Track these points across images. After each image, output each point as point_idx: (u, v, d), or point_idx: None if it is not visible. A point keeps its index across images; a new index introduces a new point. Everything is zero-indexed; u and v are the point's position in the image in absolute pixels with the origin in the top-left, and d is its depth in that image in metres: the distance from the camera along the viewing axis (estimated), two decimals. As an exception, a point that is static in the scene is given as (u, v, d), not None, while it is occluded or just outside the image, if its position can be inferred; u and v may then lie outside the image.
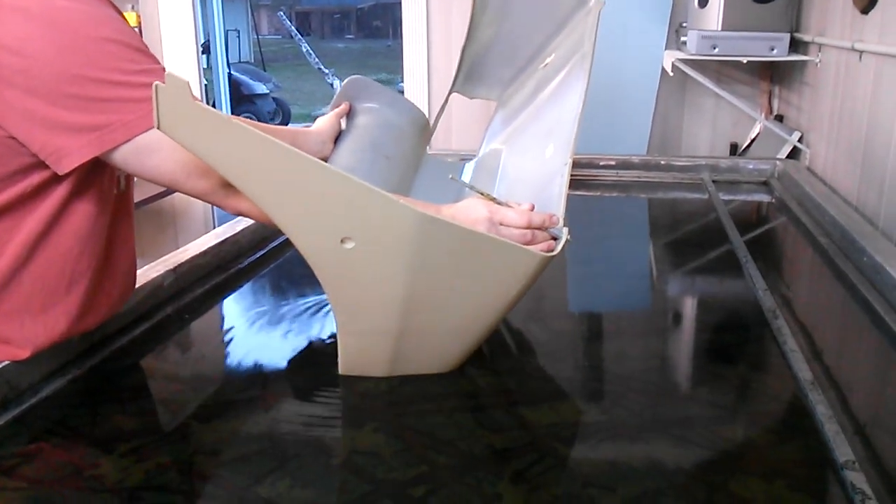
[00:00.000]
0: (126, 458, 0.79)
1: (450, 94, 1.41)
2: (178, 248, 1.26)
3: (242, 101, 8.82)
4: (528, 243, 0.85)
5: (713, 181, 1.97)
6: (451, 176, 0.88)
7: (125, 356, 1.01)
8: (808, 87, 2.14)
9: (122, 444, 0.82)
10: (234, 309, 1.21)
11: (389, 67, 12.96)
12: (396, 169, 1.17)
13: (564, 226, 0.89)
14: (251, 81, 9.09)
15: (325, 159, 1.11)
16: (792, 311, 1.16)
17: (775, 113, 2.44)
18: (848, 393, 0.93)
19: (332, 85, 7.82)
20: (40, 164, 0.82)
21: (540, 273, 0.86)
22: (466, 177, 1.28)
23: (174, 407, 0.92)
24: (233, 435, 0.85)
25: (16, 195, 0.83)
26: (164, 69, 0.79)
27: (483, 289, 0.86)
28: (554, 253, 0.85)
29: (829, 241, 1.48)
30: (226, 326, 1.16)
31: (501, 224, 0.85)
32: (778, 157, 2.11)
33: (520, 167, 1.20)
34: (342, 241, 0.79)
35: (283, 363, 1.02)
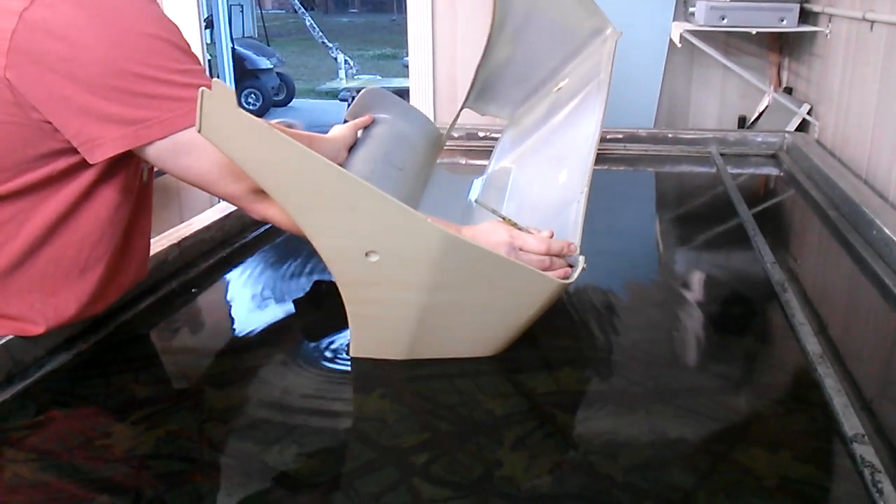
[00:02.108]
0: (138, 425, 0.80)
1: (461, 109, 1.44)
2: (182, 222, 1.25)
3: (246, 76, 8.78)
4: (545, 269, 0.87)
5: (721, 154, 1.95)
6: (476, 200, 0.90)
7: (133, 329, 1.02)
8: (817, 59, 2.11)
9: (134, 411, 0.83)
10: (240, 282, 1.20)
11: (394, 42, 12.88)
12: (408, 180, 1.20)
13: (581, 254, 0.91)
14: (255, 56, 9.04)
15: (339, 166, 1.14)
16: (800, 284, 1.15)
17: (784, 85, 2.41)
18: (857, 366, 0.92)
19: (335, 59, 7.77)
20: (69, 150, 0.82)
21: (554, 299, 0.89)
22: (475, 193, 1.31)
23: (186, 375, 0.93)
24: (243, 402, 0.86)
25: (40, 178, 0.83)
26: (204, 70, 0.82)
27: (498, 308, 0.88)
28: (570, 281, 0.87)
29: (838, 214, 1.47)
30: (232, 299, 1.16)
31: (521, 249, 0.87)
32: (787, 129, 2.08)
33: (531, 190, 1.22)
34: (367, 255, 0.82)
35: (291, 333, 1.02)
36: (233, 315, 1.10)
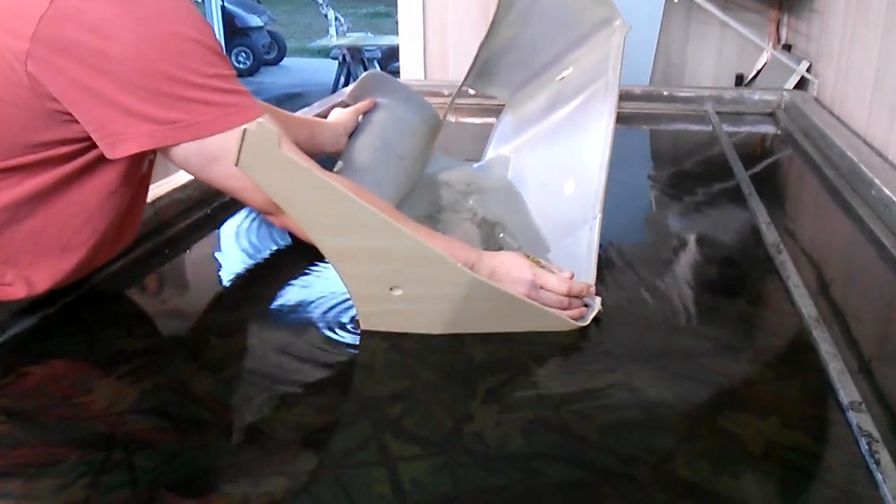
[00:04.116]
0: (123, 379, 0.78)
1: (461, 87, 1.42)
2: (156, 181, 1.21)
3: (236, 35, 8.63)
4: (563, 309, 0.86)
5: (717, 113, 1.91)
6: (500, 235, 0.92)
7: (111, 288, 0.99)
8: (817, 15, 2.05)
9: (122, 365, 0.80)
10: (221, 241, 1.17)
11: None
12: (407, 167, 1.21)
13: (598, 294, 0.91)
14: (245, 14, 8.88)
15: (339, 152, 1.17)
16: (797, 245, 1.12)
17: (783, 42, 2.35)
18: (854, 330, 0.89)
19: (326, 16, 7.62)
20: (78, 140, 0.80)
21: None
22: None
23: (174, 330, 0.92)
24: (231, 354, 0.84)
25: (30, 161, 0.81)
26: (235, 74, 0.82)
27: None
28: (586, 322, 0.87)
29: (836, 173, 1.43)
30: (214, 258, 1.13)
31: (542, 288, 0.86)
32: (785, 87, 2.03)
33: (532, 191, 1.23)
34: (391, 289, 0.83)
35: (282, 288, 1.00)
36: (216, 273, 1.08)
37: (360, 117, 1.21)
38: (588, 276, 0.93)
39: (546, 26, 1.38)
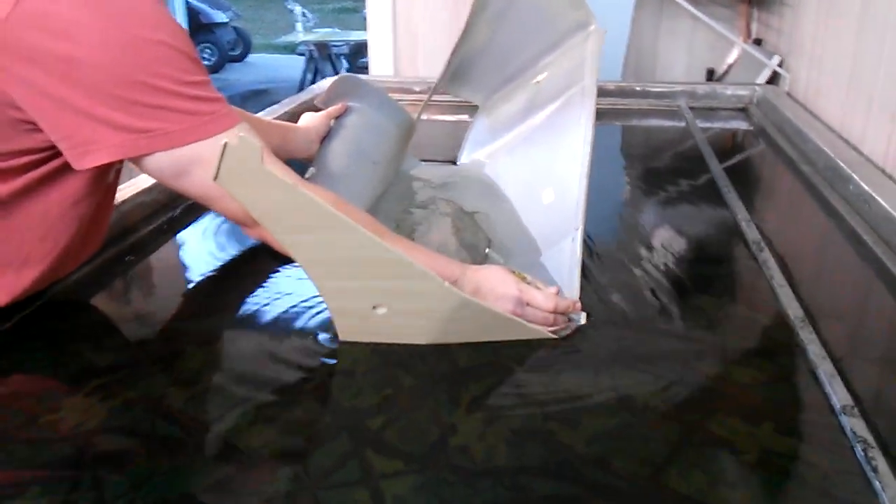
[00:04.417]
0: (92, 395, 0.74)
1: (433, 90, 1.39)
2: (120, 184, 1.16)
3: (201, 31, 8.50)
4: (548, 325, 0.84)
5: (690, 108, 1.90)
6: (486, 250, 0.89)
7: (74, 297, 0.95)
8: (788, 9, 2.05)
9: (92, 380, 0.77)
10: (189, 246, 1.13)
11: (354, -6, 12.56)
12: (381, 173, 1.19)
13: (583, 310, 0.89)
14: (210, 10, 8.75)
15: (311, 158, 1.15)
16: (778, 243, 1.10)
17: (754, 37, 2.35)
18: (840, 330, 0.87)
19: (292, 11, 7.52)
20: (38, 151, 0.76)
21: None
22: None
23: (144, 342, 0.87)
24: (205, 365, 0.81)
25: None
26: (210, 81, 0.78)
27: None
28: (568, 332, 0.86)
29: (812, 169, 1.42)
30: (181, 264, 1.09)
31: (528, 305, 0.83)
32: (757, 82, 2.03)
33: (511, 201, 1.20)
34: (374, 307, 0.80)
35: (255, 292, 0.96)
36: (185, 278, 1.03)
37: (332, 122, 1.19)
38: (572, 289, 0.91)
39: (521, 29, 1.36)
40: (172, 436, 0.69)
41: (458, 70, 1.40)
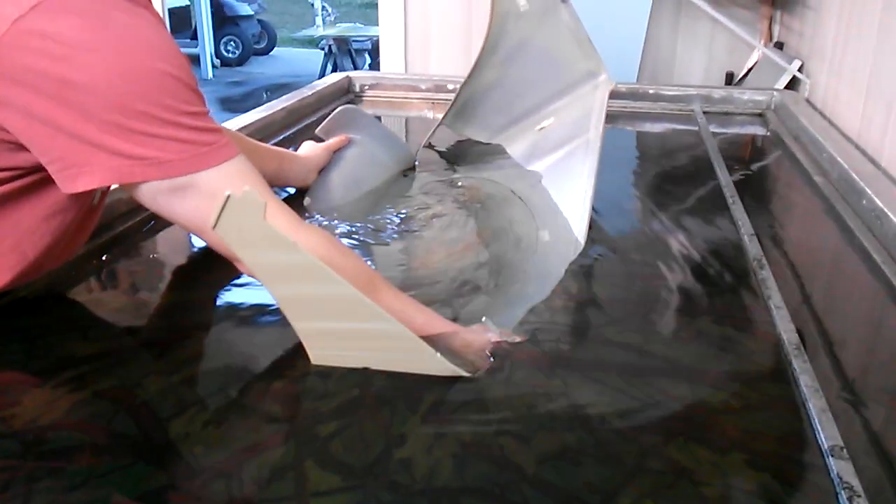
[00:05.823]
0: (61, 388, 0.72)
1: (438, 125, 1.43)
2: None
3: (226, 23, 8.52)
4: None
5: (704, 112, 1.83)
6: (483, 318, 0.84)
7: (50, 290, 0.92)
8: (811, 12, 1.98)
9: (66, 371, 0.75)
10: (168, 241, 1.10)
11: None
12: (377, 204, 1.20)
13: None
14: (235, 3, 8.77)
15: (307, 187, 1.20)
16: (780, 260, 1.04)
17: (775, 40, 2.27)
18: (840, 361, 0.80)
19: (312, 5, 7.51)
20: (24, 168, 0.75)
21: None
22: None
23: (118, 335, 0.86)
24: (182, 358, 0.80)
25: None
26: (209, 112, 0.76)
27: None
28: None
29: (825, 180, 1.35)
30: (163, 258, 1.07)
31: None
32: (775, 87, 1.96)
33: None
34: (357, 352, 0.77)
35: (229, 288, 0.93)
36: (166, 274, 1.01)
37: (332, 154, 1.23)
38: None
39: (530, 72, 1.36)
40: (126, 434, 0.67)
41: (464, 107, 1.42)
